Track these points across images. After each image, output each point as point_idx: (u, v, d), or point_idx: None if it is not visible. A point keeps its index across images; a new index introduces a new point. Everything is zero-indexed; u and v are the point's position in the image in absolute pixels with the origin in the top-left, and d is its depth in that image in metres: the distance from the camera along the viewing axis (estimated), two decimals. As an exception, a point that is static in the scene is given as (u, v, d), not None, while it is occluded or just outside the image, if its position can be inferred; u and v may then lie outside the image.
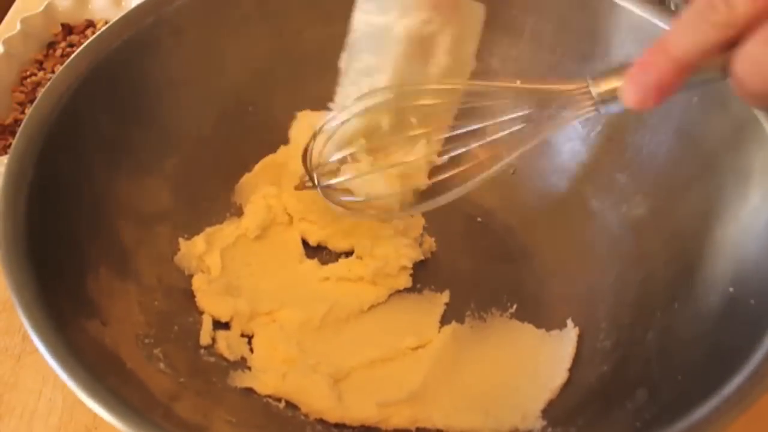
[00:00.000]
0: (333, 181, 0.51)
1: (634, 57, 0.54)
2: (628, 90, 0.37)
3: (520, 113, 0.45)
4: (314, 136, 0.51)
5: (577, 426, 0.47)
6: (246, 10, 0.60)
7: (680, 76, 0.35)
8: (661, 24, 0.54)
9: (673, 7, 0.69)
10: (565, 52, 0.60)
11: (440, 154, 0.51)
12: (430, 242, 0.61)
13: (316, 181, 0.51)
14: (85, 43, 0.54)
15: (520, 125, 0.45)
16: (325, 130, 0.50)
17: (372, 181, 0.51)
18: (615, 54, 0.57)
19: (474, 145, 0.48)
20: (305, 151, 0.51)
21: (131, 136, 0.55)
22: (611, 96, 0.40)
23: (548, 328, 0.55)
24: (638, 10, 0.55)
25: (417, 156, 0.50)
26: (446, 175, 0.49)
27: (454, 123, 0.50)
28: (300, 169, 0.61)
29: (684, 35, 0.34)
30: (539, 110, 0.45)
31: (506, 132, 0.45)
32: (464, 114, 0.50)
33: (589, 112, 0.41)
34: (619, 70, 0.39)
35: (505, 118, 0.46)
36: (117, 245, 0.52)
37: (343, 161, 0.52)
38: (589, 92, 0.41)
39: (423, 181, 0.51)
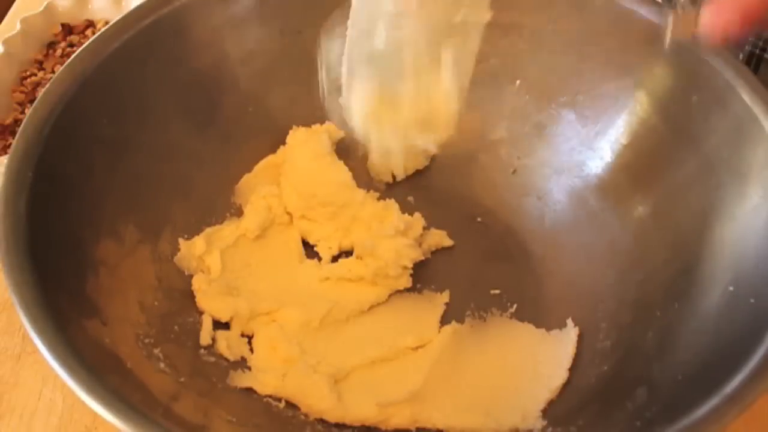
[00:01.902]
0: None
1: (636, 57, 0.54)
2: (710, 16, 0.35)
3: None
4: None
5: (577, 426, 0.47)
6: (246, 10, 0.60)
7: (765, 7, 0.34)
8: (663, 24, 0.54)
9: (680, 10, 0.69)
10: (566, 52, 0.60)
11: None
12: (440, 235, 0.61)
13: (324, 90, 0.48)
14: (85, 44, 0.54)
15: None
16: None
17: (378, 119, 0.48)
18: (616, 54, 0.58)
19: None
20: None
21: (131, 137, 0.55)
22: (687, 33, 0.38)
23: (548, 328, 0.55)
24: (640, 10, 0.56)
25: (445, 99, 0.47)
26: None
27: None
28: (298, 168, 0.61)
29: None
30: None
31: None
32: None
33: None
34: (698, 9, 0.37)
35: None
36: (117, 245, 0.52)
37: None
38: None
39: (441, 130, 0.48)
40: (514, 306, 0.57)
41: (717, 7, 0.35)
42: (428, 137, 0.47)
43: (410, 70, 0.46)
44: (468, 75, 0.47)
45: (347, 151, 0.64)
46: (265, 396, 0.51)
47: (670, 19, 0.39)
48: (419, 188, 0.65)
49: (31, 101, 0.68)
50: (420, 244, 0.59)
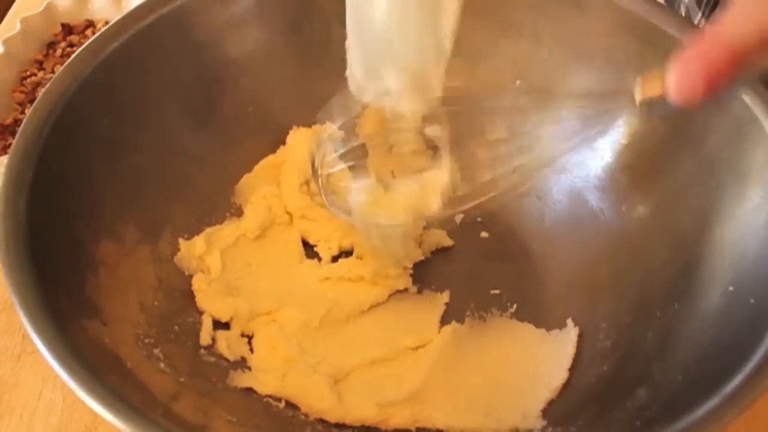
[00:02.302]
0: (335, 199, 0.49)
1: (636, 56, 0.54)
2: (674, 81, 0.34)
3: (557, 126, 0.43)
4: (319, 145, 0.50)
5: (577, 426, 0.47)
6: (246, 10, 0.60)
7: (733, 66, 0.32)
8: (662, 26, 0.54)
9: (683, 12, 0.69)
10: (566, 51, 0.60)
11: (463, 179, 0.48)
12: (440, 235, 0.61)
13: (321, 187, 0.49)
14: (85, 44, 0.54)
15: (555, 139, 0.43)
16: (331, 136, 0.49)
17: (374, 208, 0.49)
18: (615, 54, 0.58)
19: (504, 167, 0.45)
20: (313, 162, 0.50)
21: (131, 136, 0.55)
22: (656, 96, 0.37)
23: (548, 328, 0.55)
24: (639, 11, 0.56)
25: (436, 180, 0.48)
26: (466, 206, 0.46)
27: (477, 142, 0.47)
28: (298, 168, 0.61)
29: (739, 22, 0.32)
30: (579, 120, 0.43)
31: (539, 149, 0.43)
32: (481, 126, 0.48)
33: (630, 114, 0.39)
34: (665, 69, 0.36)
35: (539, 131, 0.43)
36: (117, 245, 0.52)
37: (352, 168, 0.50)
38: (632, 95, 0.38)
39: (434, 211, 0.48)
40: (514, 306, 0.57)
41: (682, 69, 0.34)
42: (419, 98, 0.47)
43: (401, 26, 0.45)
44: (452, 28, 0.46)
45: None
46: (265, 396, 0.51)
47: (638, 81, 0.38)
48: (419, 188, 0.65)
49: (31, 101, 0.68)
50: (420, 244, 0.59)
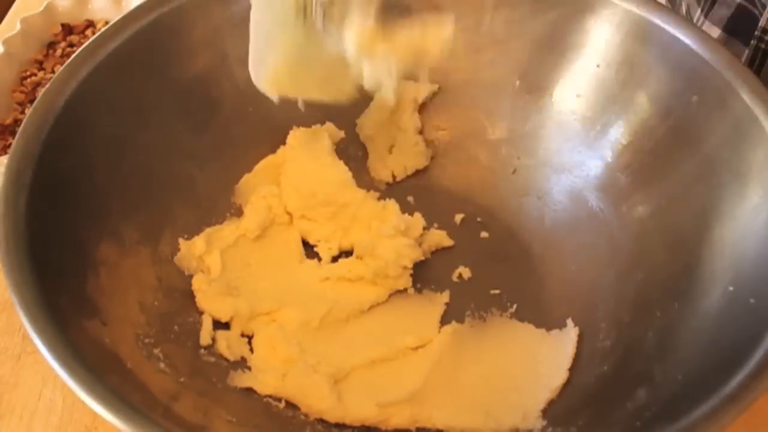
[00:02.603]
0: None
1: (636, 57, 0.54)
2: None
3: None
4: None
5: (577, 426, 0.47)
6: (246, 10, 0.60)
7: None
8: (662, 24, 0.55)
9: (684, 9, 0.69)
10: (566, 52, 0.60)
11: None
12: (440, 235, 0.61)
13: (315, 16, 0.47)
14: (85, 44, 0.54)
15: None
16: None
17: (371, 43, 0.48)
18: (615, 54, 0.58)
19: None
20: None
21: (131, 137, 0.55)
22: None
23: (548, 328, 0.55)
24: (639, 11, 0.56)
25: (439, 29, 0.47)
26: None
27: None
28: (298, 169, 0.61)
29: None
30: None
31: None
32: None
33: None
34: None
35: None
36: (117, 245, 0.52)
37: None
38: None
39: (434, 58, 0.48)
40: (514, 306, 0.57)
41: None
42: None
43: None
44: None
45: (347, 151, 0.64)
46: (265, 396, 0.51)
47: None
48: (419, 188, 0.65)
49: (31, 101, 0.68)
50: (420, 244, 0.59)
